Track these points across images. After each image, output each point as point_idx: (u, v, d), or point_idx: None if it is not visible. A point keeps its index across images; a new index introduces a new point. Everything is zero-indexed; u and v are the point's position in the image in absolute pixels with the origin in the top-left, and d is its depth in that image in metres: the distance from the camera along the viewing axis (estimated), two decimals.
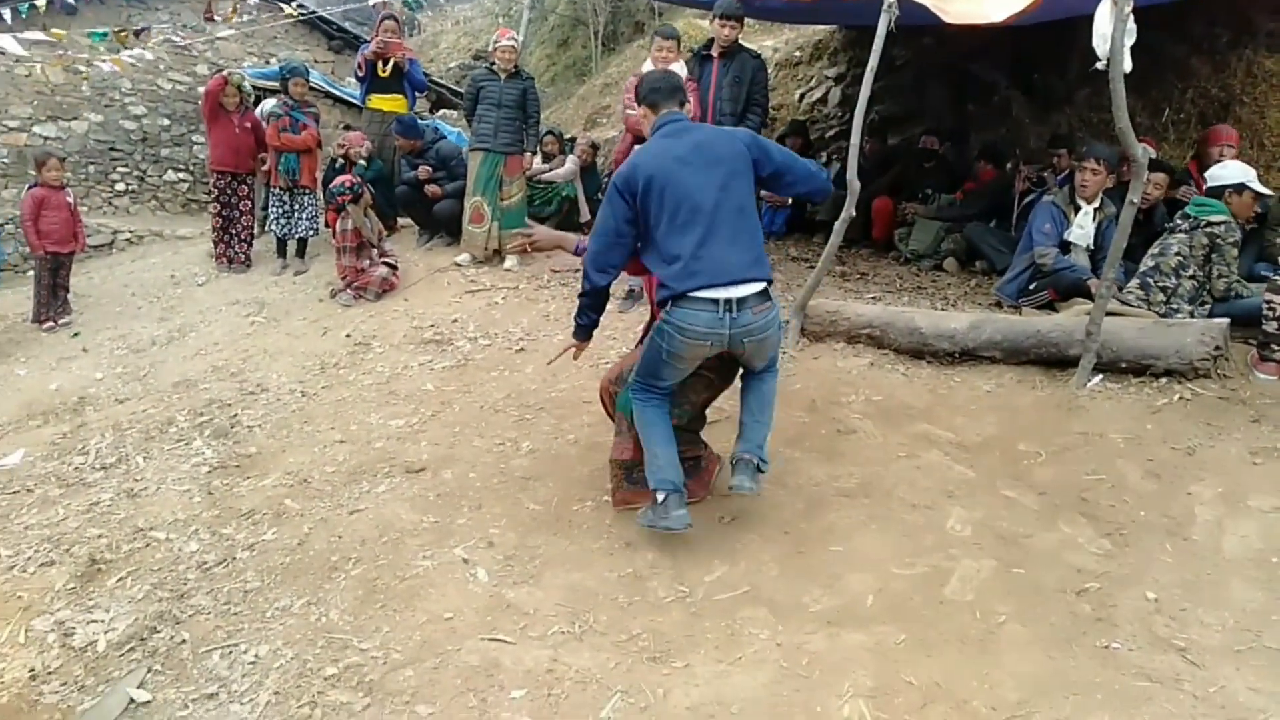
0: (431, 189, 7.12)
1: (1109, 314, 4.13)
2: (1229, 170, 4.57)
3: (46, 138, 9.51)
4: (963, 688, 2.47)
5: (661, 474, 3.12)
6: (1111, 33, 3.65)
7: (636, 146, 3.33)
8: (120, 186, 10.13)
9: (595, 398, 4.51)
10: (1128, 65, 3.69)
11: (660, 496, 3.11)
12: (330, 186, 6.72)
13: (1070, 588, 2.87)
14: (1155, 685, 2.42)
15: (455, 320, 5.68)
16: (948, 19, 4.61)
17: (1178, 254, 4.52)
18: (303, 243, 7.51)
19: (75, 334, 6.69)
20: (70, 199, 7.08)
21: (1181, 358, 3.95)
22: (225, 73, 7.79)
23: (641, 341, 3.43)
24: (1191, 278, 4.48)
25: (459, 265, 6.66)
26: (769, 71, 6.97)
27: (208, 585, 3.27)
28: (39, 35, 5.98)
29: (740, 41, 5.87)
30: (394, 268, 6.59)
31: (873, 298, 5.69)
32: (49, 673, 2.91)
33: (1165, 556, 2.98)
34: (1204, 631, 2.62)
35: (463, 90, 8.93)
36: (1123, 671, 2.49)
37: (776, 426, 3.97)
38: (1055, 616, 2.74)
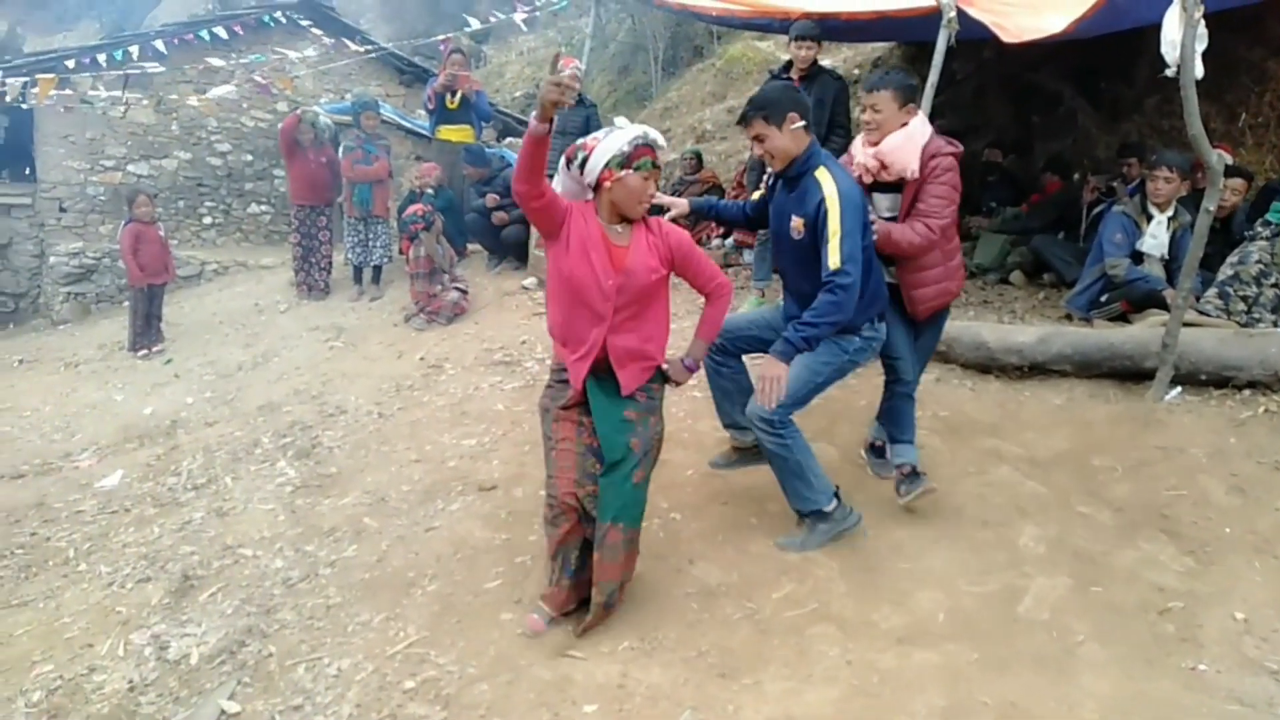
0: (499, 215, 7.31)
1: (1186, 324, 4.02)
2: None
3: (139, 175, 10.05)
4: (1039, 708, 2.43)
5: (824, 485, 3.25)
6: (1181, 39, 3.58)
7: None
8: (207, 220, 10.64)
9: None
10: (1199, 71, 3.61)
11: (830, 506, 3.25)
12: (403, 216, 6.96)
13: (1152, 607, 2.80)
14: (1246, 709, 2.35)
15: (524, 342, 5.81)
16: (1006, 38, 4.56)
17: (1259, 261, 4.38)
18: (378, 270, 7.79)
19: (168, 361, 7.05)
20: (161, 233, 7.50)
21: (1265, 368, 3.82)
22: (299, 110, 8.16)
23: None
24: (1274, 285, 4.34)
25: (526, 288, 6.82)
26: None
27: (292, 601, 3.40)
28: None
29: (819, 62, 5.68)
30: (464, 292, 6.79)
31: None
32: (146, 685, 3.07)
33: (1254, 575, 2.88)
34: None
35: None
36: (1210, 694, 2.42)
37: (846, 443, 3.99)
38: (1136, 636, 2.68)
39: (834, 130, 5.61)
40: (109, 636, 3.33)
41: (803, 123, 3.07)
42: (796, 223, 3.10)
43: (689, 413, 4.60)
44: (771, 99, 3.08)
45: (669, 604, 3.08)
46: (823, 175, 3.04)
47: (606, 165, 2.77)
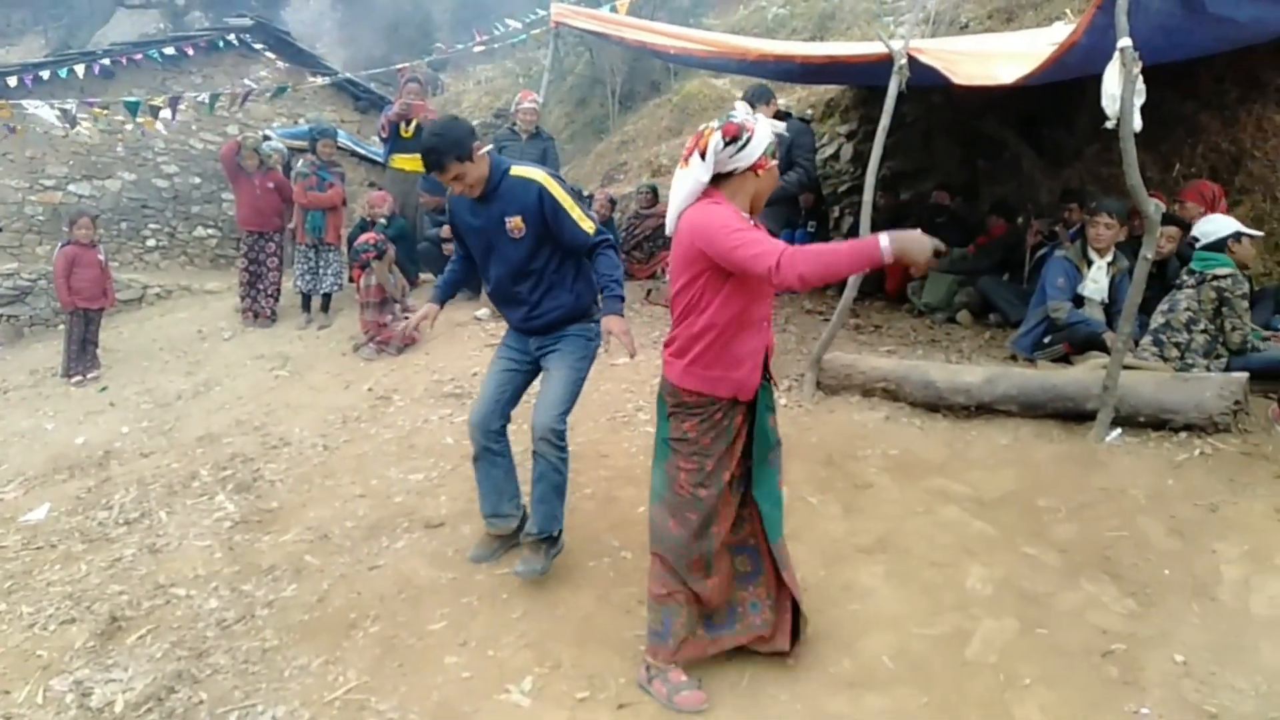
0: (449, 248, 7.26)
1: (1126, 367, 4.12)
2: (1218, 224, 4.60)
3: (81, 196, 9.77)
4: None
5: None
6: (1120, 92, 3.71)
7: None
8: (151, 243, 10.37)
9: (612, 451, 4.55)
10: (1138, 124, 3.74)
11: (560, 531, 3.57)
12: (355, 244, 6.87)
13: (1096, 649, 2.82)
14: None
15: (475, 374, 5.73)
16: (957, 80, 4.71)
17: (1187, 309, 4.52)
18: (327, 298, 7.65)
19: (103, 388, 6.81)
20: (101, 256, 7.27)
21: (1201, 412, 3.93)
22: (240, 137, 8.05)
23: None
24: (1204, 331, 4.48)
25: (479, 319, 6.76)
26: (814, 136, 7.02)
27: (226, 643, 3.27)
28: (75, 103, 6.20)
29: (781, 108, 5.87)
30: None
31: (887, 350, 5.71)
32: None
33: (1192, 617, 2.93)
34: (1236, 696, 2.57)
35: None
36: None
37: (795, 480, 3.99)
38: (1081, 679, 2.70)
39: (792, 167, 5.84)
40: (27, 683, 3.15)
41: (484, 147, 3.27)
42: (515, 221, 3.24)
43: (641, 449, 4.57)
44: (454, 138, 3.15)
45: (618, 646, 3.03)
46: (520, 170, 3.26)
47: (764, 151, 2.60)
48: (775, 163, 2.66)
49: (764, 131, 2.59)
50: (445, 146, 3.13)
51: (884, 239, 2.30)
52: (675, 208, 2.63)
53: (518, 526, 3.61)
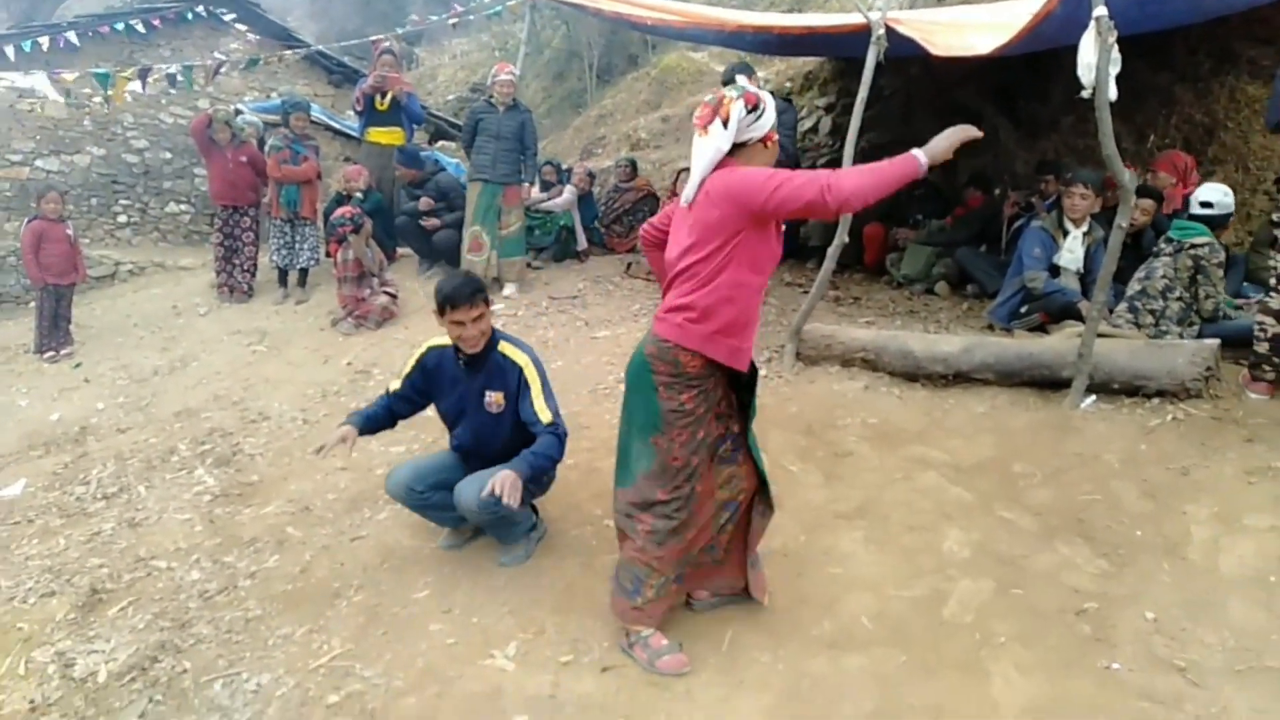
0: (430, 221, 7.21)
1: (1100, 336, 4.18)
2: (1226, 197, 4.65)
3: (49, 171, 9.60)
4: (964, 710, 2.48)
5: (525, 510, 3.45)
6: (1096, 61, 3.73)
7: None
8: (122, 219, 10.21)
9: (593, 422, 4.57)
10: (1113, 94, 3.77)
11: (533, 518, 3.61)
12: (331, 218, 6.80)
13: (1069, 608, 2.88)
14: (1157, 706, 2.43)
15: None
16: (935, 51, 4.71)
17: (1163, 276, 4.59)
18: (304, 273, 7.58)
19: (77, 365, 6.72)
20: (70, 231, 7.15)
21: (1173, 378, 3.99)
22: (211, 109, 7.92)
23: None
24: (1179, 299, 4.55)
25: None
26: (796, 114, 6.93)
27: (209, 614, 3.27)
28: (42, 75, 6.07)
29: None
30: (394, 296, 6.65)
31: (866, 322, 5.75)
32: (49, 704, 2.90)
33: (1163, 576, 3.00)
34: (1204, 651, 2.63)
35: (461, 123, 9.05)
36: (1124, 693, 2.50)
37: (775, 449, 4.02)
38: (1055, 638, 2.76)
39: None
40: (9, 654, 3.14)
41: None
42: (495, 397, 3.30)
43: None
44: (480, 285, 3.23)
45: (601, 612, 3.05)
46: (509, 348, 3.34)
47: (772, 124, 2.63)
48: (778, 136, 2.69)
49: (773, 106, 2.63)
50: (475, 285, 3.20)
51: (919, 154, 2.44)
52: (697, 176, 2.61)
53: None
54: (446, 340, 3.32)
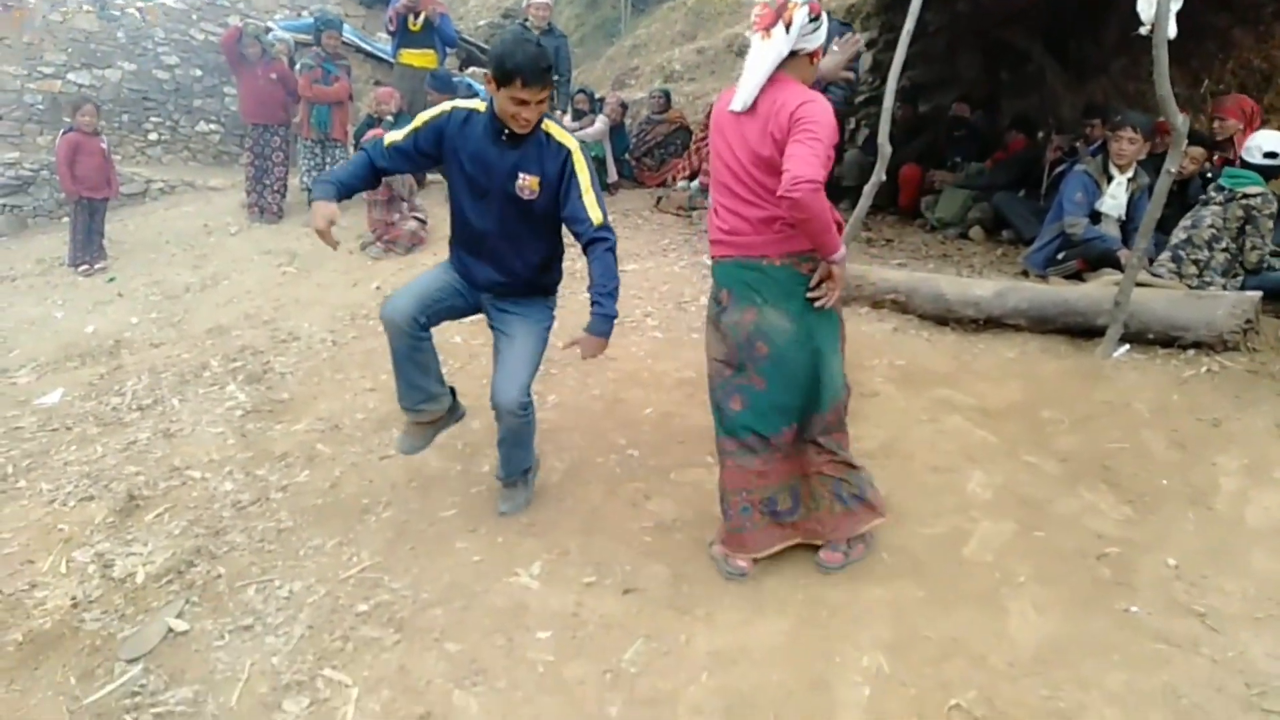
0: None
1: (1139, 285, 4.10)
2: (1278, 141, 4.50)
3: (81, 85, 9.58)
4: (980, 644, 2.52)
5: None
6: None
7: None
8: (153, 136, 10.21)
9: (620, 355, 4.58)
10: (1172, 31, 3.63)
11: (533, 458, 3.38)
12: (362, 141, 6.76)
13: (1090, 552, 2.89)
14: (1173, 649, 2.45)
15: None
16: None
17: (1211, 226, 4.48)
18: None
19: (111, 279, 6.81)
20: (104, 145, 7.18)
21: (1211, 330, 3.93)
22: (242, 23, 7.83)
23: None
24: (1225, 250, 4.44)
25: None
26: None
27: (242, 524, 3.36)
28: None
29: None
30: (423, 222, 6.65)
31: (898, 264, 5.68)
32: (90, 601, 3.00)
33: (1187, 525, 2.99)
34: (1224, 598, 2.64)
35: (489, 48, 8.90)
36: (1141, 634, 2.51)
37: None
38: (1074, 579, 2.77)
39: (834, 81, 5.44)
40: (50, 553, 3.25)
41: None
42: (529, 180, 2.86)
43: (649, 353, 4.60)
44: (551, 62, 2.79)
45: (624, 536, 3.10)
46: (555, 129, 2.90)
47: (823, 41, 2.62)
48: (823, 56, 2.68)
49: (827, 20, 2.61)
50: (546, 63, 2.72)
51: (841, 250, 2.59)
52: (757, 79, 2.56)
53: (451, 406, 3.35)
54: (474, 104, 2.92)
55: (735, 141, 2.65)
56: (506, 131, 2.83)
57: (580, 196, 2.87)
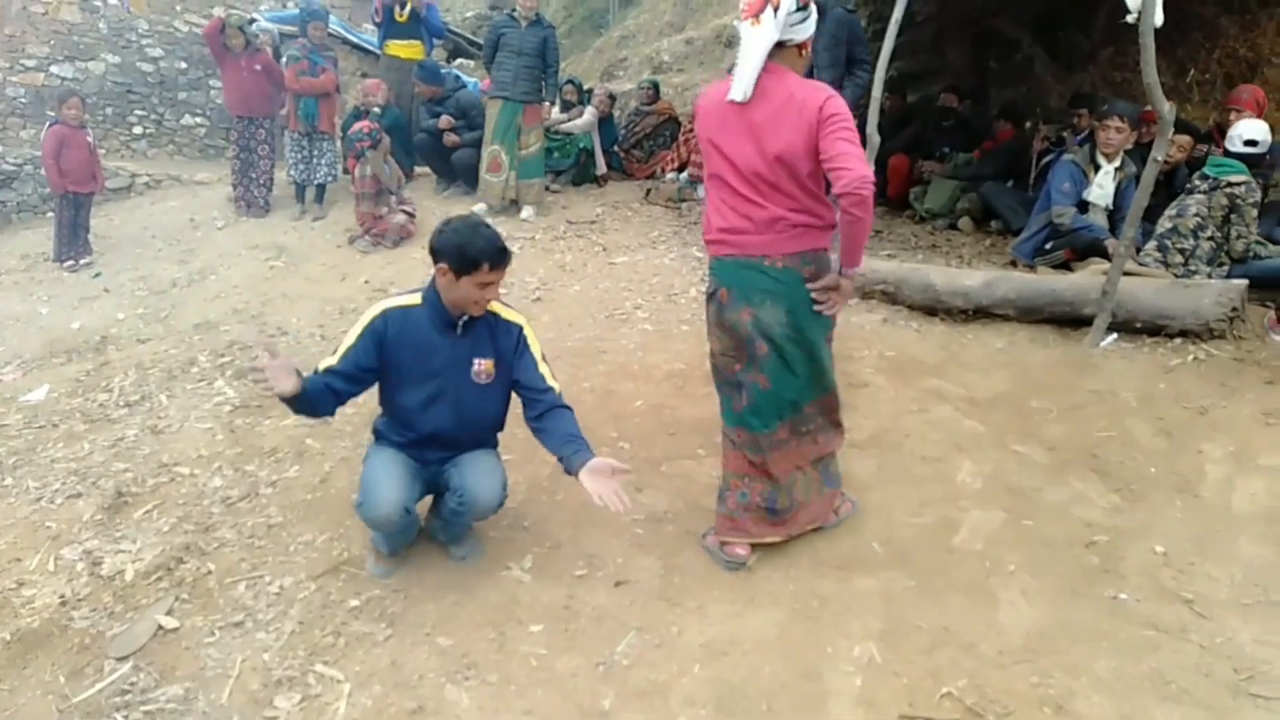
0: (450, 138, 7.11)
1: (1126, 274, 4.12)
2: (1259, 130, 4.52)
3: (64, 78, 9.47)
4: (970, 632, 2.53)
5: None
6: None
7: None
8: (138, 130, 10.11)
9: (610, 347, 4.57)
10: (1159, 19, 3.64)
11: None
12: (349, 133, 6.72)
13: (1079, 540, 2.91)
14: (1162, 635, 2.47)
15: None
16: None
17: (1196, 215, 4.50)
18: (321, 188, 7.53)
19: (97, 274, 6.75)
20: (90, 139, 7.11)
21: (1197, 318, 3.95)
22: (226, 14, 7.76)
23: None
24: (1210, 239, 4.47)
25: (476, 214, 6.67)
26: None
27: (232, 519, 3.34)
28: None
29: None
30: (412, 215, 6.61)
31: (887, 255, 5.68)
32: (79, 599, 2.98)
33: (1174, 512, 3.02)
34: (1211, 585, 2.66)
35: (481, 39, 8.86)
36: (1130, 621, 2.54)
37: None
38: (1063, 567, 2.79)
39: (858, 66, 5.33)
40: (38, 551, 3.23)
41: None
42: (484, 365, 2.77)
43: (639, 345, 4.60)
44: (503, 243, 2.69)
45: (615, 529, 3.10)
46: (502, 308, 2.82)
47: (811, 33, 2.61)
48: (811, 49, 2.68)
49: (815, 14, 2.60)
50: (503, 247, 2.67)
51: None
52: (753, 65, 2.54)
53: None
54: (407, 301, 2.76)
55: (739, 136, 2.61)
56: (462, 320, 2.72)
57: (537, 368, 2.81)
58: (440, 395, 2.77)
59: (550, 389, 2.81)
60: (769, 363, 2.72)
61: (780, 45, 2.56)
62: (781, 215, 2.60)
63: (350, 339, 2.72)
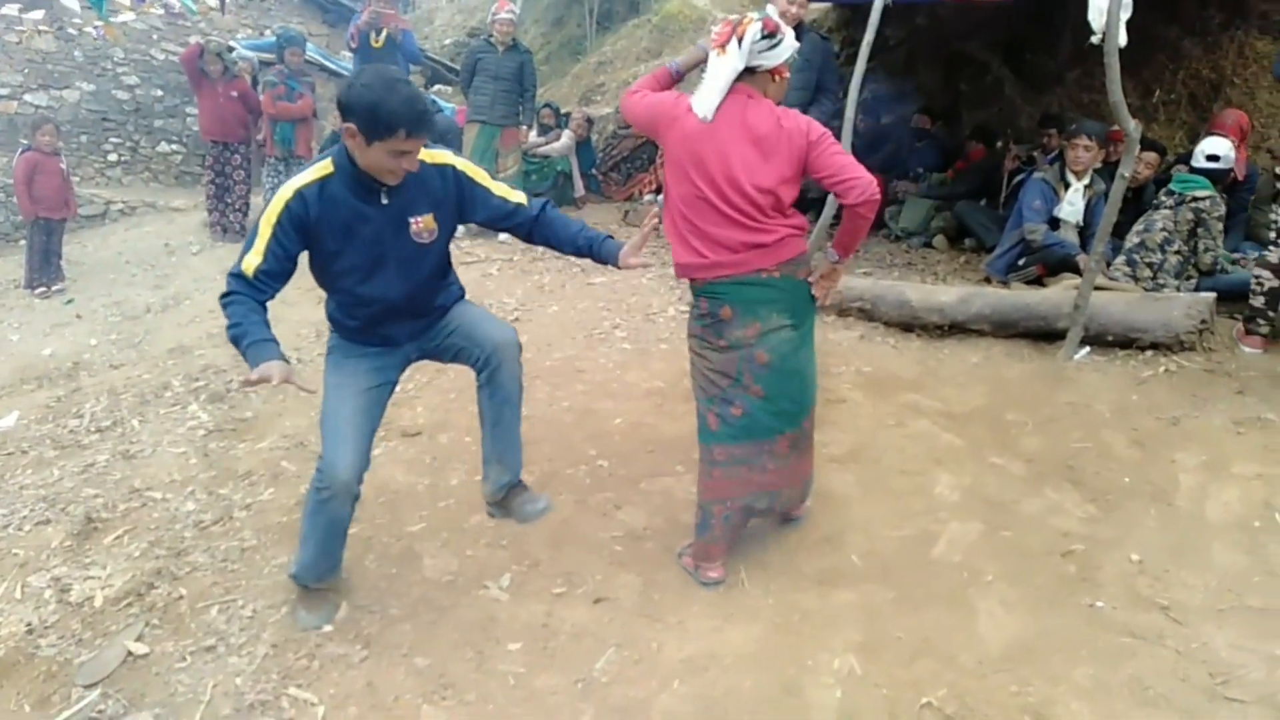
0: None
1: (1097, 289, 4.18)
2: (1221, 146, 4.62)
3: (38, 106, 9.43)
4: (950, 643, 2.53)
5: None
6: (1107, 6, 3.68)
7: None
8: (113, 157, 10.07)
9: (589, 366, 4.57)
10: (1123, 39, 3.72)
11: None
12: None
13: (1056, 550, 2.92)
14: (1139, 641, 2.48)
15: None
16: None
17: (1163, 229, 4.58)
18: None
19: (69, 300, 6.68)
20: (63, 165, 7.07)
21: (1168, 331, 4.01)
22: (204, 40, 7.78)
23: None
24: (1177, 253, 4.55)
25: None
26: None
27: (205, 543, 3.29)
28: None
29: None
30: None
31: (863, 273, 5.73)
32: (46, 627, 2.92)
33: (1149, 521, 3.04)
34: (1187, 592, 2.68)
35: (458, 67, 8.91)
36: (1107, 629, 2.54)
37: None
38: (1041, 577, 2.80)
39: (824, 94, 5.28)
40: (4, 579, 3.16)
41: None
42: (424, 221, 2.53)
43: (618, 364, 4.60)
44: (427, 104, 2.41)
45: (594, 546, 3.09)
46: (424, 153, 2.46)
47: (786, 58, 2.65)
48: (788, 73, 2.72)
49: (790, 39, 2.64)
50: (426, 104, 2.38)
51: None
52: (715, 95, 2.60)
53: None
54: (317, 173, 2.42)
55: (712, 158, 2.62)
56: (383, 187, 2.45)
57: (492, 195, 2.63)
58: (380, 265, 2.52)
59: (520, 204, 2.66)
60: (766, 374, 2.72)
61: (751, 71, 2.61)
62: (773, 231, 2.66)
63: (266, 229, 2.38)
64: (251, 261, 2.38)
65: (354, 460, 2.59)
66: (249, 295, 2.40)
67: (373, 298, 2.57)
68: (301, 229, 2.41)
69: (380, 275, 2.54)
